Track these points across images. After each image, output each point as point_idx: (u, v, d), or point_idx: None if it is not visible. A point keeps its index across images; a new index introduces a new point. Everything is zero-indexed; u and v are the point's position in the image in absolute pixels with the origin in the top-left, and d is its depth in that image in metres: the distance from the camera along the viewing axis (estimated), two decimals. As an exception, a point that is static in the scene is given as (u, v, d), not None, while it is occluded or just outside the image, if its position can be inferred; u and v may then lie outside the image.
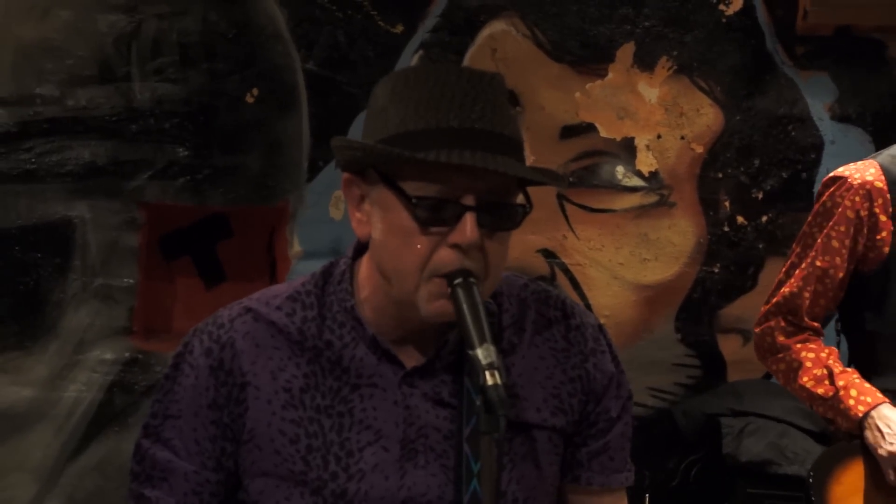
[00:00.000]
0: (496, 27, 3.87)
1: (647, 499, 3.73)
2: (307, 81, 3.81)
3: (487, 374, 1.37)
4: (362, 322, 1.64)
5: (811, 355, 2.74)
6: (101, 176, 3.65)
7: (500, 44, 3.89)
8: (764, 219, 4.07)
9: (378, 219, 1.58)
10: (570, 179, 3.99)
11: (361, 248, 1.67)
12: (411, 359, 1.63)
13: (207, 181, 3.74)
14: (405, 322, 1.62)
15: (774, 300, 2.80)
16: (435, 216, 1.49)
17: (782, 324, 2.78)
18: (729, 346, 4.08)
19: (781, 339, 2.79)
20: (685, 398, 4.05)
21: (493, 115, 1.52)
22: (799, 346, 2.76)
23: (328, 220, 3.24)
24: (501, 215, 1.51)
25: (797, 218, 3.91)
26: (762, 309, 2.85)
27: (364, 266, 1.66)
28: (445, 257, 1.49)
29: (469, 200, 1.46)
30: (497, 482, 1.54)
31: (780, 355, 2.79)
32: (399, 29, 3.78)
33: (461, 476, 1.64)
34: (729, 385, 4.00)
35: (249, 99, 3.77)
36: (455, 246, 1.48)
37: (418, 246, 1.52)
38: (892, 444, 2.56)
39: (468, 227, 1.46)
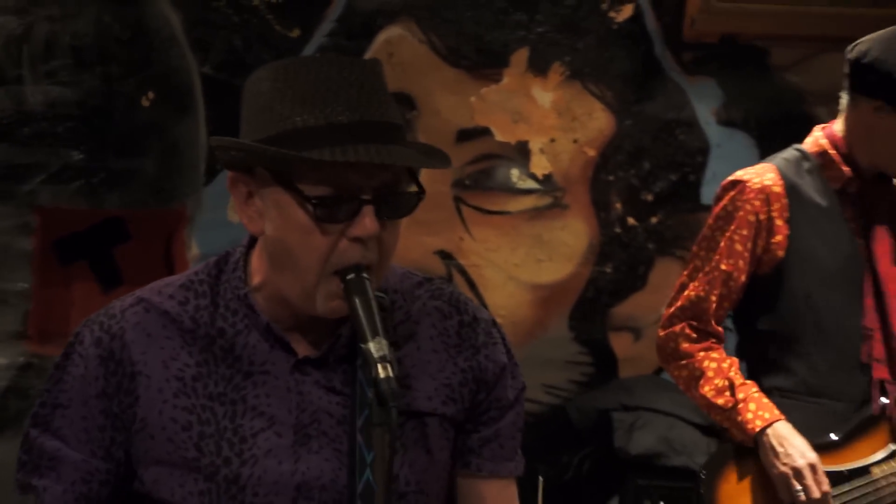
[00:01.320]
0: (393, 32, 3.81)
1: (541, 483, 3.70)
2: (204, 85, 3.74)
3: (379, 366, 1.34)
4: (255, 309, 1.57)
5: (713, 365, 2.72)
6: None
7: (396, 48, 3.83)
8: (653, 220, 4.06)
9: (273, 216, 1.50)
10: (466, 182, 3.92)
11: (251, 242, 1.61)
12: (304, 349, 1.58)
13: (103, 184, 3.68)
14: (299, 313, 1.56)
15: (679, 304, 2.76)
16: (334, 213, 1.44)
17: (686, 330, 2.74)
18: (620, 344, 4.07)
19: (685, 345, 2.75)
20: (578, 394, 4.03)
21: (378, 105, 1.48)
22: (702, 354, 2.73)
23: (227, 223, 3.19)
24: (397, 205, 1.46)
25: (685, 219, 4.02)
26: (666, 312, 2.78)
27: (257, 255, 1.59)
28: (346, 251, 1.44)
29: (366, 194, 1.42)
30: (390, 468, 1.43)
31: (683, 362, 2.74)
32: (296, 33, 3.72)
33: (354, 463, 1.59)
34: (620, 381, 4.01)
35: (145, 102, 3.70)
36: (356, 239, 1.43)
37: (318, 243, 1.46)
38: (785, 464, 2.57)
39: (367, 220, 1.41)
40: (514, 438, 1.68)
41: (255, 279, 1.57)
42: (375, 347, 1.35)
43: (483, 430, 1.64)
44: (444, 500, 1.69)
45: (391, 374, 1.33)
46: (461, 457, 1.64)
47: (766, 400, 2.63)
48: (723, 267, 2.67)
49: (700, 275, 2.70)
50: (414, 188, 1.49)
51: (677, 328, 2.71)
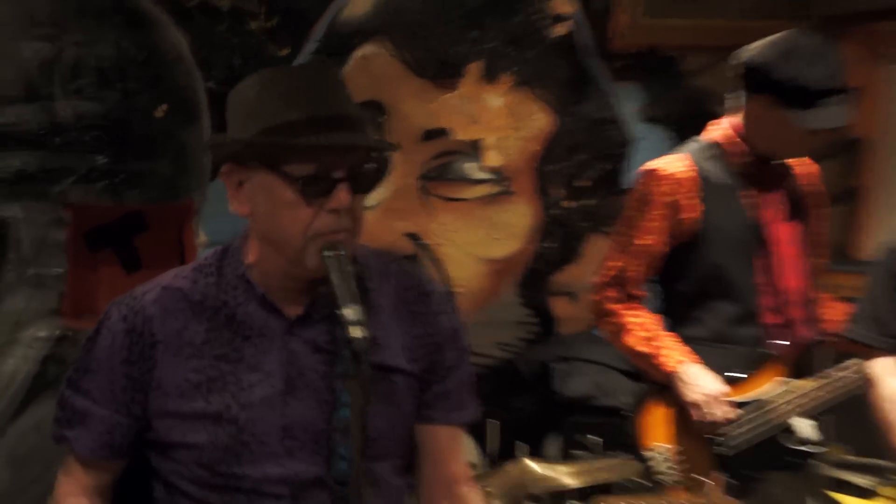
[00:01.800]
0: (367, 49, 4.06)
1: (494, 424, 3.85)
2: (208, 97, 3.92)
3: (352, 328, 1.58)
4: (252, 283, 1.83)
5: (636, 320, 3.04)
6: (30, 182, 3.74)
7: (370, 63, 4.08)
8: (587, 203, 4.37)
9: (261, 198, 1.77)
10: (431, 174, 4.18)
11: (248, 232, 1.93)
12: (293, 310, 1.84)
13: (124, 184, 3.82)
14: (289, 279, 1.82)
15: (607, 273, 3.10)
16: (316, 190, 1.69)
17: (615, 294, 3.04)
18: (559, 307, 4.37)
19: (612, 306, 3.08)
20: (525, 349, 4.34)
21: (342, 101, 1.79)
22: (626, 312, 3.04)
23: (228, 214, 3.24)
24: (364, 182, 1.74)
25: (613, 201, 4.27)
26: (597, 280, 3.13)
27: (250, 240, 1.86)
28: (326, 220, 1.69)
29: (340, 174, 1.68)
30: (364, 412, 1.65)
31: (612, 319, 3.06)
32: (285, 52, 3.95)
33: (333, 406, 1.82)
34: (559, 337, 4.34)
35: (158, 113, 3.85)
36: (333, 211, 1.69)
37: (303, 214, 1.70)
38: (696, 392, 2.89)
39: (342, 194, 1.68)
40: (461, 393, 1.96)
41: (250, 258, 1.82)
42: (350, 312, 1.57)
43: (436, 387, 1.90)
44: (407, 445, 1.96)
45: (363, 335, 1.56)
46: (421, 407, 1.91)
47: (678, 346, 2.98)
48: (643, 241, 2.98)
49: (624, 249, 3.03)
50: (375, 168, 1.77)
51: (607, 292, 3.03)
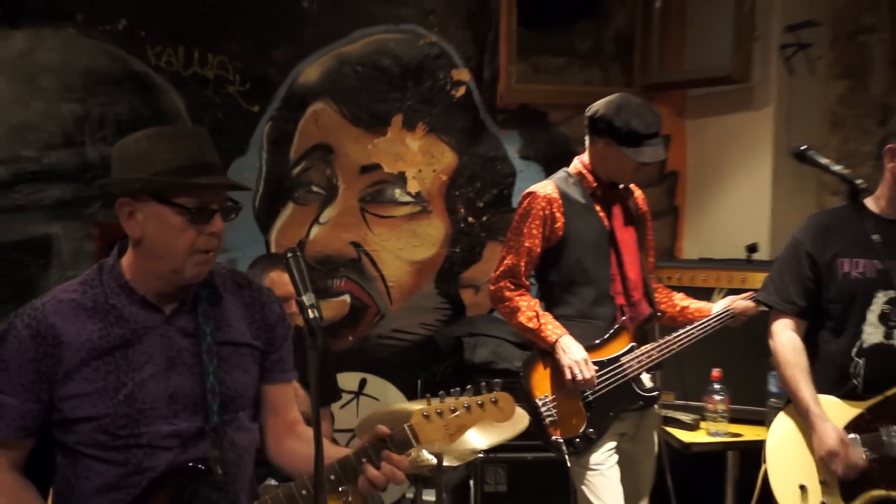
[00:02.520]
0: (318, 106, 4.49)
1: (420, 384, 4.42)
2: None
3: (310, 310, 1.77)
4: (134, 289, 2.01)
5: (524, 304, 3.37)
6: (67, 207, 4.16)
7: (320, 116, 4.51)
8: (484, 218, 4.85)
9: (151, 225, 1.94)
10: (367, 198, 4.64)
11: (122, 249, 2.06)
12: (168, 307, 2.03)
13: None
14: (167, 284, 2.00)
15: (501, 269, 3.41)
16: (200, 217, 1.92)
17: (508, 284, 3.38)
18: (466, 296, 4.87)
19: (507, 293, 3.39)
20: (442, 328, 4.80)
21: (212, 153, 1.99)
22: (517, 297, 3.38)
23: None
24: (230, 211, 2.01)
25: (503, 217, 4.78)
26: (493, 275, 3.44)
27: (128, 257, 2.04)
28: (205, 240, 1.94)
29: (216, 205, 1.95)
30: (319, 374, 1.81)
31: (506, 303, 3.38)
32: (256, 108, 4.41)
33: (203, 375, 2.02)
34: (467, 318, 4.80)
35: None
36: (211, 234, 1.93)
37: (189, 236, 1.92)
38: (568, 358, 3.23)
39: (218, 221, 1.95)
40: (290, 358, 2.21)
41: (129, 273, 2.01)
42: (307, 299, 1.78)
43: (271, 355, 2.16)
44: (254, 400, 2.17)
45: (318, 315, 1.76)
46: (262, 373, 2.15)
47: (557, 322, 3.31)
48: (526, 245, 3.32)
49: (513, 251, 3.37)
50: (236, 205, 2.02)
51: (501, 283, 3.38)
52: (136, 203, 1.92)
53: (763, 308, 3.35)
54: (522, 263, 3.32)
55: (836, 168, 2.85)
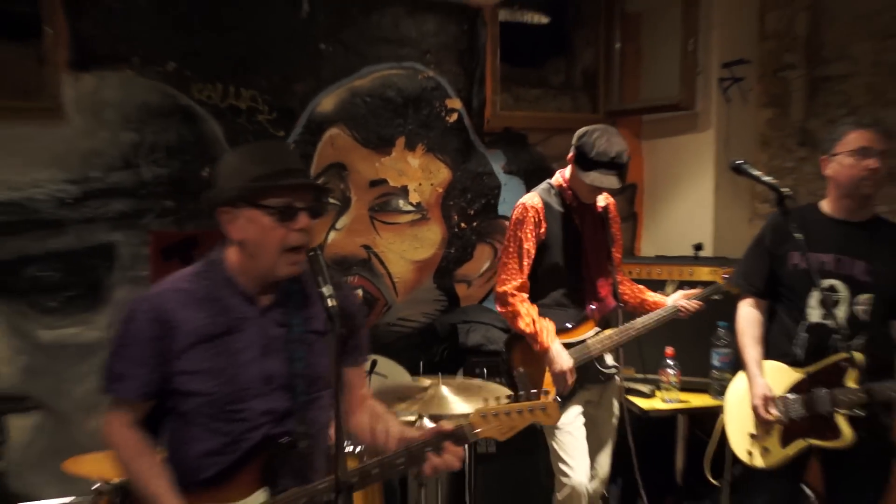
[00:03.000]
0: (333, 131, 4.64)
1: (421, 365, 4.48)
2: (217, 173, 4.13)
3: (329, 300, 1.82)
4: (236, 284, 2.05)
5: (524, 310, 3.41)
6: (127, 218, 4.31)
7: (335, 139, 4.65)
8: (474, 224, 5.03)
9: (247, 227, 1.99)
10: (376, 208, 4.75)
11: (225, 245, 2.09)
12: (263, 301, 2.08)
13: (185, 218, 4.39)
14: (262, 280, 2.04)
15: (508, 273, 3.41)
16: (287, 216, 1.95)
17: (511, 290, 3.42)
18: (460, 289, 5.03)
19: (510, 299, 3.41)
20: (439, 316, 4.95)
21: (296, 161, 2.06)
22: (518, 304, 3.42)
23: None
24: (316, 212, 2.02)
25: (490, 222, 5.02)
26: (498, 279, 3.45)
27: (230, 253, 2.08)
28: (295, 237, 1.97)
29: (301, 204, 1.97)
30: (337, 356, 1.84)
31: (509, 307, 3.43)
32: (281, 133, 4.52)
33: (290, 360, 2.08)
34: (461, 308, 4.96)
35: (204, 173, 4.41)
36: (300, 230, 1.97)
37: (279, 234, 1.96)
38: (557, 367, 3.33)
39: (303, 218, 1.97)
40: (365, 344, 2.28)
41: (232, 268, 2.07)
42: (327, 290, 1.85)
43: (350, 341, 2.16)
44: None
45: (336, 304, 1.84)
46: (343, 356, 2.06)
47: (550, 330, 3.35)
48: (525, 246, 3.42)
49: (514, 254, 3.44)
50: (324, 203, 2.54)
51: (506, 288, 3.42)
52: (234, 210, 1.99)
53: (703, 305, 3.54)
54: (524, 264, 3.42)
55: (766, 179, 3.03)
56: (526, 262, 3.41)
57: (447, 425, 2.07)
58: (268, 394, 2.05)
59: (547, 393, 2.20)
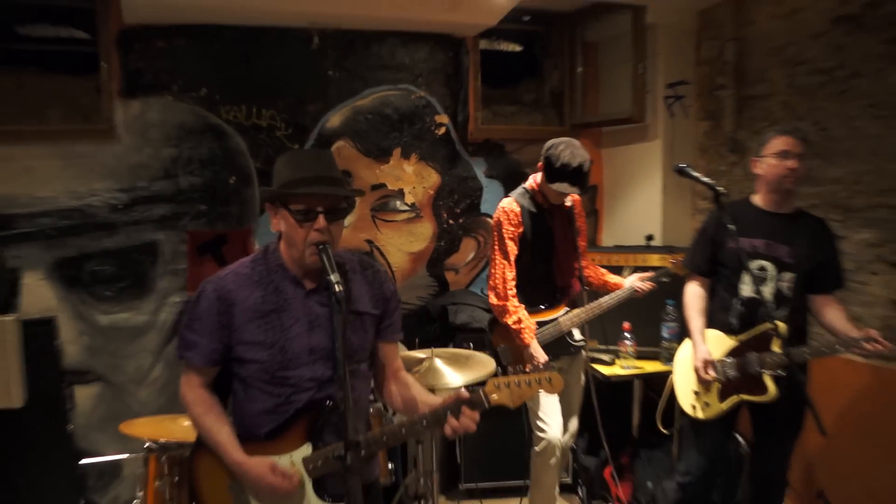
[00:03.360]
0: (340, 143, 4.89)
1: (417, 341, 4.53)
2: (256, 172, 4.72)
3: (336, 286, 1.94)
4: (287, 269, 2.14)
5: (512, 307, 3.54)
6: (167, 220, 4.59)
7: (342, 150, 4.90)
8: (461, 221, 5.26)
9: (283, 223, 2.10)
10: (377, 208, 4.96)
11: (280, 237, 2.17)
12: (309, 285, 2.16)
13: (216, 219, 4.67)
14: (302, 266, 2.11)
15: (496, 274, 3.54)
16: (307, 218, 2.03)
17: (501, 290, 3.51)
18: (449, 276, 5.26)
19: (499, 299, 3.53)
20: (431, 299, 5.17)
21: (328, 168, 2.10)
22: (506, 303, 3.55)
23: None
24: (335, 213, 2.07)
25: (474, 219, 5.23)
26: (490, 281, 3.57)
27: (281, 245, 2.17)
28: (314, 235, 2.04)
29: (320, 208, 2.03)
30: (345, 334, 1.97)
31: (499, 305, 3.55)
32: (296, 146, 4.73)
33: (333, 336, 2.13)
34: (450, 292, 5.17)
35: (231, 181, 4.69)
36: (318, 230, 2.03)
37: (302, 232, 2.05)
38: (537, 358, 3.46)
39: (321, 220, 2.04)
40: (398, 323, 2.34)
41: (283, 256, 2.16)
42: (334, 278, 1.94)
43: (385, 321, 2.29)
44: (370, 354, 2.29)
45: (342, 289, 1.94)
46: (378, 333, 2.29)
47: (532, 327, 3.49)
48: (508, 247, 3.57)
49: (501, 252, 3.57)
50: (345, 206, 2.09)
51: (498, 286, 3.53)
52: (274, 207, 2.11)
53: (655, 286, 3.72)
54: (510, 259, 3.57)
55: (705, 179, 3.13)
56: (511, 258, 3.55)
57: (465, 393, 2.09)
58: (312, 363, 2.12)
59: (553, 368, 2.20)
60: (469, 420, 2.07)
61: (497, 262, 3.55)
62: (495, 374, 2.83)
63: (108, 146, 4.45)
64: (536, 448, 3.68)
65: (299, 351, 2.11)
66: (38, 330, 4.18)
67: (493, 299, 3.54)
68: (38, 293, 4.40)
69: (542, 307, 3.67)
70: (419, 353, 3.63)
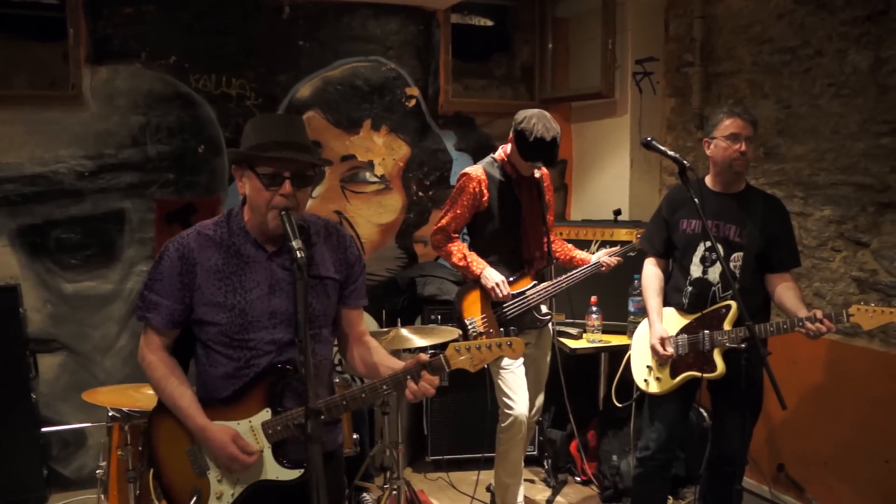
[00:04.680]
0: (310, 114, 4.92)
1: (384, 313, 4.56)
2: (225, 141, 4.74)
3: (298, 253, 1.91)
4: (248, 232, 2.14)
5: (455, 248, 3.64)
6: (135, 189, 4.59)
7: (312, 121, 4.91)
8: (430, 193, 5.29)
9: (248, 186, 2.08)
10: (346, 179, 4.99)
11: (244, 201, 2.16)
12: (270, 247, 2.15)
13: (184, 188, 4.69)
14: (264, 231, 2.10)
15: (439, 226, 3.66)
16: (273, 182, 2.02)
17: (442, 238, 3.65)
18: (418, 248, 5.32)
19: (442, 244, 3.60)
20: (400, 271, 5.22)
21: (296, 133, 2.08)
22: (449, 245, 3.65)
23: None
24: (302, 179, 2.07)
25: (443, 192, 5.25)
26: (434, 229, 3.68)
27: (246, 208, 2.16)
28: (279, 200, 2.03)
29: (287, 173, 2.02)
30: (305, 299, 1.94)
31: (442, 249, 3.62)
32: None
33: (294, 300, 2.11)
34: (418, 264, 5.25)
35: (200, 150, 4.71)
36: (283, 195, 2.02)
37: (266, 196, 2.03)
38: (490, 280, 3.52)
39: (287, 185, 2.03)
40: (362, 289, 2.34)
41: (246, 218, 2.15)
42: (296, 244, 1.93)
43: (350, 286, 2.29)
44: (333, 319, 2.28)
45: (304, 255, 1.91)
46: (341, 299, 2.28)
47: (479, 259, 3.58)
48: (458, 211, 3.62)
49: (450, 214, 3.64)
50: (311, 173, 2.07)
51: (438, 237, 3.66)
52: (240, 169, 2.10)
53: (620, 260, 3.80)
54: (453, 224, 3.66)
55: (670, 153, 3.06)
56: (455, 225, 3.60)
57: (425, 357, 2.11)
58: (272, 327, 2.12)
59: (514, 332, 2.20)
60: (428, 385, 2.08)
61: (441, 222, 3.61)
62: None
63: (75, 113, 4.45)
64: (503, 424, 3.71)
65: (259, 314, 2.10)
66: (1, 297, 4.18)
67: (435, 250, 3.62)
68: (2, 260, 4.41)
69: (511, 279, 3.65)
70: (384, 329, 3.74)
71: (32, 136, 4.40)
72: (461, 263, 3.58)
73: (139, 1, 4.53)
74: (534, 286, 3.67)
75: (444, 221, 3.62)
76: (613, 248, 3.90)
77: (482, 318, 3.61)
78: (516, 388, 3.64)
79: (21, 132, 4.39)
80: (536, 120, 3.47)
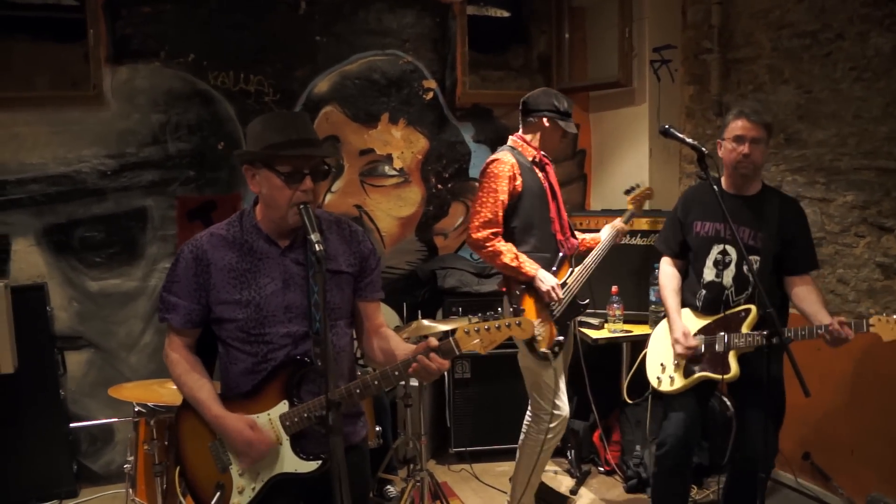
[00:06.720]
0: (328, 108, 4.93)
1: (405, 306, 4.70)
2: (245, 137, 4.18)
3: (317, 245, 1.92)
4: (261, 229, 2.16)
5: (504, 247, 3.43)
6: (157, 186, 4.63)
7: (330, 115, 4.93)
8: (449, 185, 5.28)
9: (264, 184, 2.09)
10: (365, 173, 4.98)
11: (257, 200, 2.18)
12: (283, 243, 2.17)
13: (205, 185, 4.72)
14: (279, 227, 2.13)
15: (481, 220, 3.42)
16: (294, 179, 2.04)
17: (489, 234, 3.44)
18: (438, 241, 5.29)
19: (489, 241, 3.39)
20: (420, 264, 5.21)
21: (307, 130, 2.11)
22: (497, 242, 3.44)
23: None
24: (319, 174, 2.09)
25: (462, 184, 5.25)
26: (474, 225, 3.43)
27: (258, 207, 2.19)
28: (300, 196, 2.05)
29: (306, 169, 2.04)
30: (324, 292, 1.95)
31: (489, 248, 3.39)
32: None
33: (308, 294, 2.14)
34: (439, 257, 5.20)
35: (220, 147, 4.73)
36: (304, 191, 2.05)
37: (287, 193, 2.05)
38: (546, 286, 3.39)
39: (308, 181, 2.06)
40: (378, 282, 2.35)
41: (258, 217, 2.18)
42: (315, 238, 1.94)
43: (364, 280, 2.30)
44: (350, 312, 2.30)
45: (322, 249, 1.92)
46: (356, 292, 2.30)
47: (531, 260, 3.42)
48: (501, 198, 3.44)
49: (488, 204, 3.44)
50: (326, 167, 2.10)
51: (483, 233, 3.43)
52: (254, 168, 2.11)
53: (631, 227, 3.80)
54: (500, 213, 3.45)
55: (689, 140, 3.02)
56: (497, 214, 3.43)
57: (434, 341, 2.10)
58: (288, 321, 2.14)
59: (523, 312, 2.20)
60: (436, 367, 2.07)
61: (481, 214, 3.43)
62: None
63: (96, 112, 4.49)
64: (552, 425, 3.60)
65: (275, 308, 2.12)
66: (28, 296, 4.23)
67: (478, 251, 3.43)
68: (29, 260, 4.45)
69: (553, 269, 3.58)
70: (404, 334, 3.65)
71: (55, 137, 4.44)
72: (513, 264, 3.43)
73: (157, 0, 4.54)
74: (571, 273, 3.65)
75: (486, 214, 3.43)
76: (615, 219, 3.90)
77: (540, 322, 3.52)
78: (563, 388, 3.61)
79: (45, 133, 4.44)
80: (554, 94, 3.53)
